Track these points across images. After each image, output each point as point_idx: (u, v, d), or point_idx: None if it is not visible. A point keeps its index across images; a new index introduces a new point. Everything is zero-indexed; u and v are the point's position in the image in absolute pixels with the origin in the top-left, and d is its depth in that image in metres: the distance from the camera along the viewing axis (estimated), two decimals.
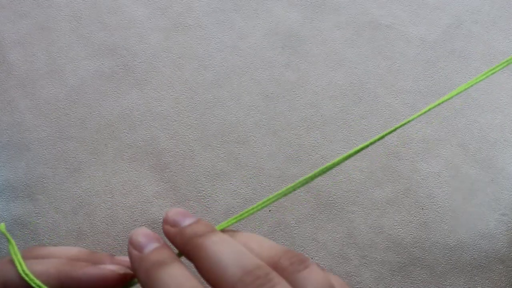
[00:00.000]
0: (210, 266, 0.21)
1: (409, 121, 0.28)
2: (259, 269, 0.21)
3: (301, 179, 0.26)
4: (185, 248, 0.23)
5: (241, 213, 0.27)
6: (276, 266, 0.22)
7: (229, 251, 0.22)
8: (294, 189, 0.26)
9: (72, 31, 0.47)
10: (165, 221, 0.25)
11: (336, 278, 0.23)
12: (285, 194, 0.26)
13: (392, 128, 0.27)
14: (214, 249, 0.22)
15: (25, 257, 0.26)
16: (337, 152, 0.45)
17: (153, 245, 0.24)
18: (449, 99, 0.26)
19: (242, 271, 0.21)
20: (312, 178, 0.26)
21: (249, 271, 0.21)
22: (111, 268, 0.26)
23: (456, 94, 0.27)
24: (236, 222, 0.27)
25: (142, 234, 0.24)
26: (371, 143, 0.27)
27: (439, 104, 0.26)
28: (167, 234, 0.25)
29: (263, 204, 0.27)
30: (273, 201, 0.26)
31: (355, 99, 0.47)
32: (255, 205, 0.27)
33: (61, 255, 0.27)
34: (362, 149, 0.27)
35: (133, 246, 0.24)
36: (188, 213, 0.26)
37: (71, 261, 0.26)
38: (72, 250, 0.28)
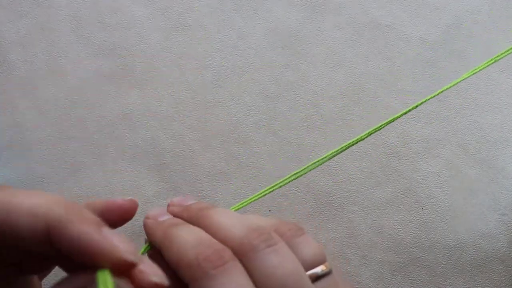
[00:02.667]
0: (217, 228, 0.23)
1: (405, 113, 0.28)
2: (262, 228, 0.22)
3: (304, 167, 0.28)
4: (192, 220, 0.25)
5: (249, 198, 0.28)
6: (275, 232, 0.23)
7: (232, 216, 0.23)
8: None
9: (72, 31, 0.47)
10: (171, 204, 0.27)
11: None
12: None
13: (387, 121, 0.27)
14: (219, 216, 0.24)
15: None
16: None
17: (167, 216, 0.26)
18: (453, 85, 0.27)
19: (247, 229, 0.22)
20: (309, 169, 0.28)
21: (254, 229, 0.22)
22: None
23: (458, 83, 0.27)
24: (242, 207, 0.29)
25: (156, 209, 0.27)
26: (368, 135, 0.27)
27: (443, 91, 0.26)
28: (173, 213, 0.27)
29: (270, 189, 0.29)
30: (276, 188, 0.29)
31: (355, 99, 0.47)
32: (262, 191, 0.29)
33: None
34: (358, 141, 0.28)
35: (149, 218, 0.26)
36: (190, 197, 0.28)
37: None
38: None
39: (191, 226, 0.24)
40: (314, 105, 0.46)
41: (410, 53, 0.48)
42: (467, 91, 0.48)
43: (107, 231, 0.18)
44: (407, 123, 0.46)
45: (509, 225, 0.44)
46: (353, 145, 0.27)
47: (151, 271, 0.18)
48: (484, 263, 0.43)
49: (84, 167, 0.44)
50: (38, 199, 0.18)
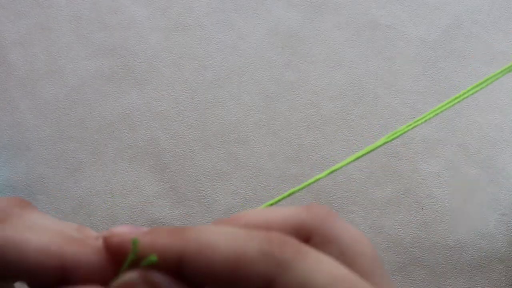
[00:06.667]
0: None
1: (413, 126, 0.28)
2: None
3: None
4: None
5: (291, 190, 0.26)
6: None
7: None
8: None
9: (72, 31, 0.47)
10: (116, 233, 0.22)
11: None
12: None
13: (398, 131, 0.27)
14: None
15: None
16: (337, 152, 0.45)
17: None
18: (454, 103, 0.26)
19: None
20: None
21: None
22: None
23: (462, 99, 0.27)
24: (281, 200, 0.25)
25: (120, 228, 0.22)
26: (378, 147, 0.27)
27: (444, 109, 0.25)
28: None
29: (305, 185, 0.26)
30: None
31: (355, 99, 0.47)
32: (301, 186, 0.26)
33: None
34: (369, 151, 0.27)
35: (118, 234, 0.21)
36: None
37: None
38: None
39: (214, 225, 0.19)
40: (314, 105, 0.46)
41: (410, 53, 0.48)
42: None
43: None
44: (407, 123, 0.46)
45: (509, 225, 0.44)
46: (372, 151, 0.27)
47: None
48: (484, 263, 0.43)
49: (84, 167, 0.44)
50: (49, 235, 0.19)
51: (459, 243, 0.44)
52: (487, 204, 0.45)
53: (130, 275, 0.16)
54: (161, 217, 0.42)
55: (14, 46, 0.47)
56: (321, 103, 0.47)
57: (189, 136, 0.45)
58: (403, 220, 0.44)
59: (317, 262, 0.15)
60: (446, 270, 0.43)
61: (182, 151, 0.45)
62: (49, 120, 0.45)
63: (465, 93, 0.27)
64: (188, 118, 0.45)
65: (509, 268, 0.43)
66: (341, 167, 0.24)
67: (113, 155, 0.44)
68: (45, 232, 0.19)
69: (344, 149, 0.45)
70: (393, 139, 0.27)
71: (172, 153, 0.44)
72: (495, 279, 0.43)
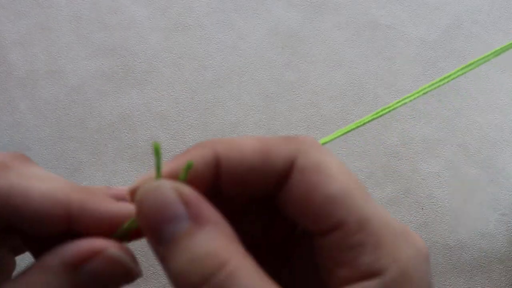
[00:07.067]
0: None
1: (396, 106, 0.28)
2: None
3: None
4: None
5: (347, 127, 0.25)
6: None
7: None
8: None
9: (72, 31, 0.47)
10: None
11: None
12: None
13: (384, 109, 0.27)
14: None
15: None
16: (337, 152, 0.45)
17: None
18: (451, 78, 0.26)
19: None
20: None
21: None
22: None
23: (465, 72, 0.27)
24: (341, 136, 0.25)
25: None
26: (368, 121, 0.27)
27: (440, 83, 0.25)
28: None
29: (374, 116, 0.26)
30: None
31: (355, 99, 0.47)
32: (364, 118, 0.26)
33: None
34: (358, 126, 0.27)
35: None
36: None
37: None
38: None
39: None
40: (314, 105, 0.46)
41: (410, 53, 0.48)
42: (467, 91, 0.48)
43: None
44: (407, 123, 0.46)
45: (509, 225, 0.44)
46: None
47: None
48: (484, 263, 0.43)
49: (84, 167, 0.44)
50: (55, 183, 0.18)
51: (459, 243, 0.44)
52: (487, 204, 0.45)
53: (164, 183, 0.15)
54: None
55: (14, 46, 0.47)
56: (321, 103, 0.47)
57: (189, 136, 0.45)
58: (403, 220, 0.44)
59: (329, 153, 0.17)
60: (446, 270, 0.43)
61: (182, 151, 0.45)
62: (49, 120, 0.45)
63: (451, 74, 0.27)
64: (188, 118, 0.45)
65: (509, 268, 0.43)
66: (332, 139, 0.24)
67: (113, 155, 0.44)
68: (51, 180, 0.18)
69: (344, 149, 0.45)
70: (381, 115, 0.27)
71: (172, 153, 0.44)
72: (495, 279, 0.43)
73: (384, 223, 0.16)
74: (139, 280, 0.42)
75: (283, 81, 0.47)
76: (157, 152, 0.16)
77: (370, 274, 0.15)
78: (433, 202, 0.44)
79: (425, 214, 0.44)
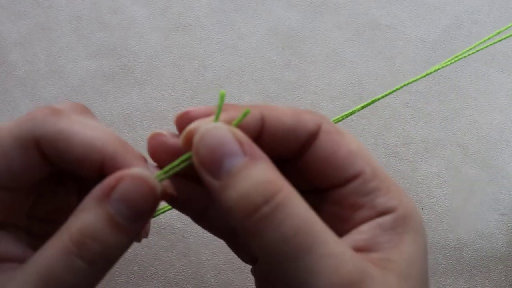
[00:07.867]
0: None
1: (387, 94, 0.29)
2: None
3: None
4: None
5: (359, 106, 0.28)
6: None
7: None
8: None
9: (72, 31, 0.47)
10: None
11: None
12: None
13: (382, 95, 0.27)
14: None
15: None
16: None
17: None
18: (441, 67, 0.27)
19: None
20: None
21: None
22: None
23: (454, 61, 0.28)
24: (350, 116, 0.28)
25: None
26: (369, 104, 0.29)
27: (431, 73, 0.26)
28: None
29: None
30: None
31: (355, 99, 0.47)
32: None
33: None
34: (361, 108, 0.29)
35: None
36: None
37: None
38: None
39: None
40: (314, 105, 0.46)
41: (410, 53, 0.48)
42: (467, 91, 0.48)
43: (152, 167, 0.21)
44: (407, 123, 0.46)
45: (509, 225, 0.44)
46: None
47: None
48: (484, 263, 0.43)
49: None
50: (96, 132, 0.20)
51: (459, 243, 0.44)
52: (487, 204, 0.45)
53: (219, 125, 0.18)
54: (161, 217, 0.42)
55: (14, 46, 0.47)
56: (321, 103, 0.47)
57: None
58: None
59: (345, 132, 0.21)
60: (446, 270, 0.43)
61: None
62: None
63: (444, 64, 0.28)
64: None
65: (509, 268, 0.43)
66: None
67: None
68: (95, 129, 0.21)
69: None
70: (372, 103, 0.29)
71: None
72: (495, 279, 0.43)
73: (387, 175, 0.20)
74: (139, 280, 0.42)
75: (283, 81, 0.47)
76: (222, 98, 0.18)
77: (385, 211, 0.19)
78: (433, 202, 0.44)
79: (425, 214, 0.44)
